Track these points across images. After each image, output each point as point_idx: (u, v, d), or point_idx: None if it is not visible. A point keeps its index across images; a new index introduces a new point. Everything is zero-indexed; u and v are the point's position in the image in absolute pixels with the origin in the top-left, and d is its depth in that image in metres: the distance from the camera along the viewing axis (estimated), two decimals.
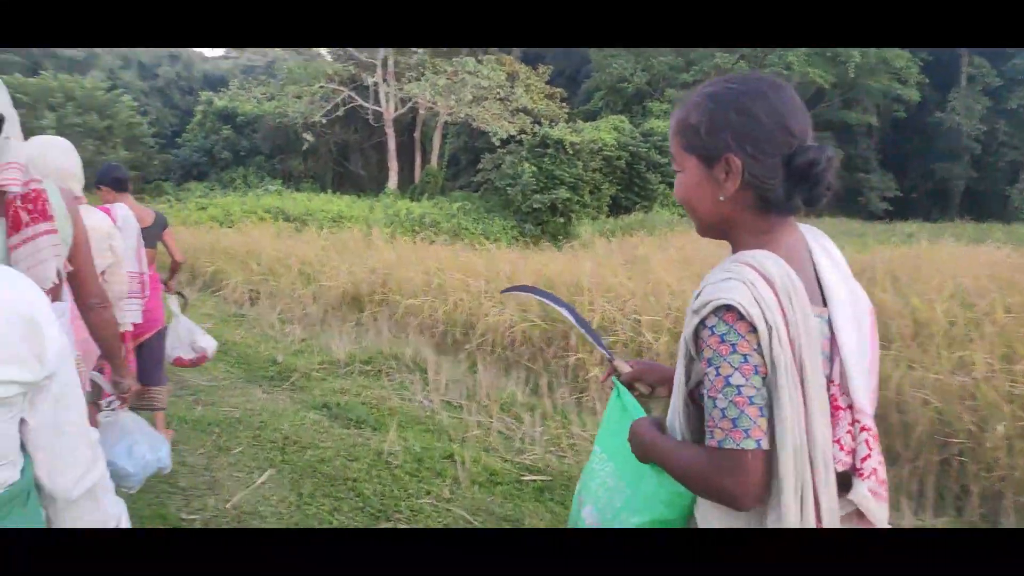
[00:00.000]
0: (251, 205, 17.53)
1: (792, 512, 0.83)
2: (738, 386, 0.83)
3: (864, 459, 0.89)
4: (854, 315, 0.92)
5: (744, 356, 0.84)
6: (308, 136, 24.18)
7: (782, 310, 0.84)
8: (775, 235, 0.94)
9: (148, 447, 1.94)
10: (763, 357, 0.84)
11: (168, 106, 37.26)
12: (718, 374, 0.85)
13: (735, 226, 0.97)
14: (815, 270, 0.94)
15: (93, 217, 2.21)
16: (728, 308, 0.84)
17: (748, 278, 0.85)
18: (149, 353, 3.20)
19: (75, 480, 0.98)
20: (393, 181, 25.91)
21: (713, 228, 1.00)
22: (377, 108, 25.07)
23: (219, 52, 48.43)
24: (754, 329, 0.83)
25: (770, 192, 0.92)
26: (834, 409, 0.88)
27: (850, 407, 0.89)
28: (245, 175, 29.27)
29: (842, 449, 0.88)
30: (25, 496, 0.93)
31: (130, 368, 2.39)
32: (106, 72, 34.86)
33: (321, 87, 24.00)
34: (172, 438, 3.35)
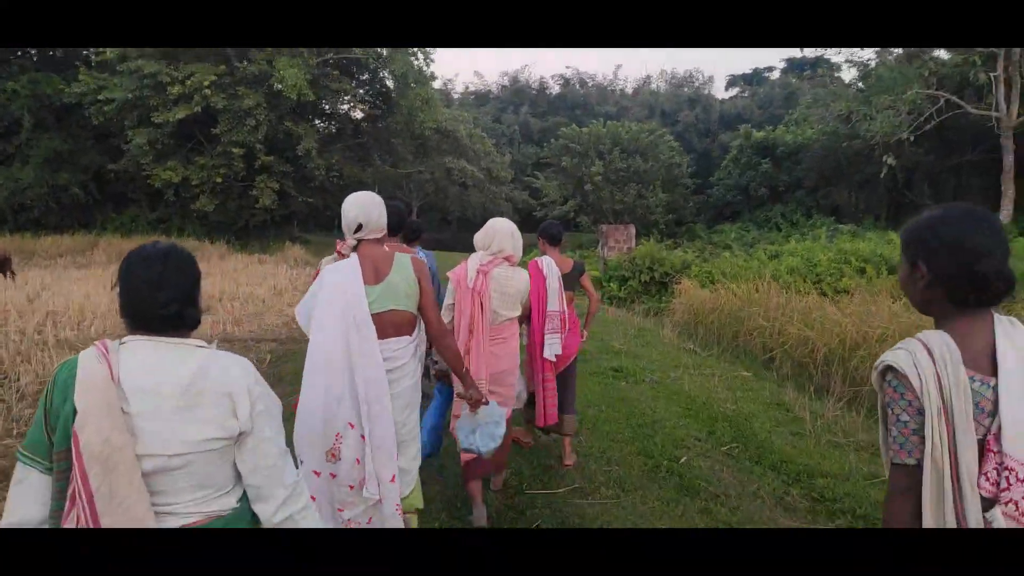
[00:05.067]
0: (834, 252, 12.08)
1: (928, 513, 1.16)
2: (904, 421, 1.20)
3: (1003, 490, 1.14)
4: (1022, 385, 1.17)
5: (908, 400, 1.20)
6: (889, 159, 19.17)
7: (936, 371, 1.17)
8: (956, 320, 1.24)
9: (480, 438, 2.72)
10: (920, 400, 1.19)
11: (688, 150, 37.40)
12: (891, 412, 1.23)
13: (931, 312, 1.32)
14: (994, 348, 1.20)
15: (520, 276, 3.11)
16: (891, 367, 1.23)
17: (912, 347, 1.22)
18: (563, 384, 3.75)
19: (273, 510, 1.39)
20: (1007, 211, 18.68)
21: (919, 310, 1.35)
22: (996, 114, 18.38)
23: (733, 91, 47.48)
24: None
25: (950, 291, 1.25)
26: (987, 451, 1.16)
27: (1000, 452, 1.15)
28: (783, 212, 26.11)
29: (987, 480, 1.16)
30: (246, 521, 1.39)
31: (477, 383, 2.80)
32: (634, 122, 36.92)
33: (917, 93, 18.63)
34: (574, 463, 3.88)
